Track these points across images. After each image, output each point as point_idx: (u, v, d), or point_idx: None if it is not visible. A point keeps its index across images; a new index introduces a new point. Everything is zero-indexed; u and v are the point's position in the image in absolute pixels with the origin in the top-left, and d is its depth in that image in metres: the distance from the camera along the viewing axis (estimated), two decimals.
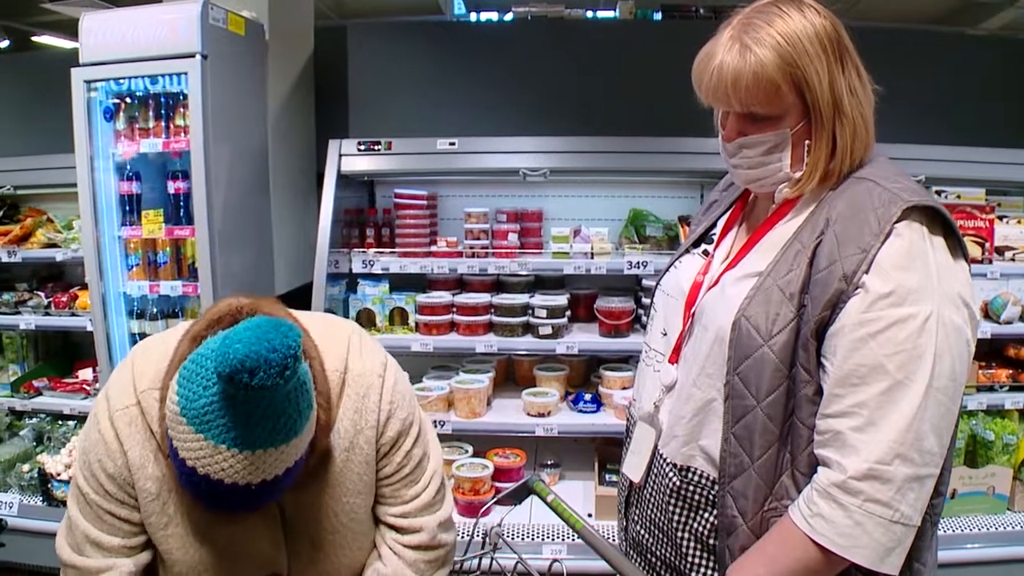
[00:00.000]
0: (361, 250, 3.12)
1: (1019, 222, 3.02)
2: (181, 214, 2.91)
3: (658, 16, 3.67)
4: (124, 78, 2.84)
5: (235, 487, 1.02)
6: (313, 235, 2.98)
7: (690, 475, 1.31)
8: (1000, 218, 2.97)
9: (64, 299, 3.37)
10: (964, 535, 2.77)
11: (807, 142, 1.23)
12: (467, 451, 3.08)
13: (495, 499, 1.52)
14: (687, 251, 1.50)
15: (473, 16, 7.22)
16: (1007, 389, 2.96)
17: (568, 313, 3.05)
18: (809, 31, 1.18)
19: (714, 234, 1.47)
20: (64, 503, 1.38)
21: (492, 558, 1.42)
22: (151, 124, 2.89)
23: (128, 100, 2.91)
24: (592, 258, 2.98)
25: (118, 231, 2.97)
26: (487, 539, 1.42)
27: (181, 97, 2.82)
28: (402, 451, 1.34)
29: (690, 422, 1.30)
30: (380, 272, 3.05)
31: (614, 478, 2.80)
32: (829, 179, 1.24)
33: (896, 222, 1.12)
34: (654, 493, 1.39)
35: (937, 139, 2.90)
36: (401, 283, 3.19)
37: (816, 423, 1.16)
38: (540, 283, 3.31)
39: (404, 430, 1.33)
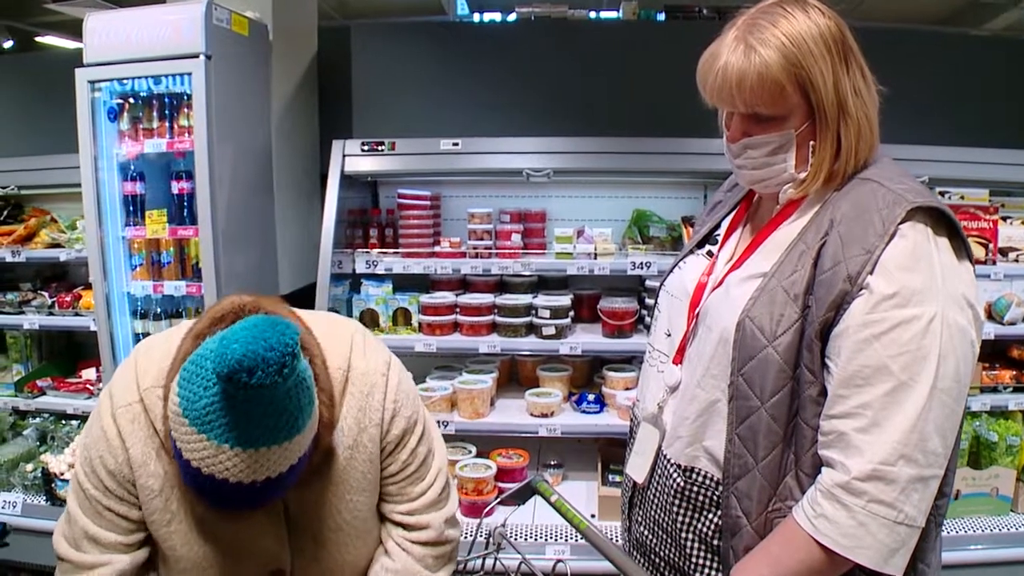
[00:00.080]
0: (365, 250, 3.12)
1: (1023, 223, 3.01)
2: (185, 214, 2.91)
3: (661, 17, 3.67)
4: (128, 78, 2.85)
5: (239, 485, 1.02)
6: (317, 235, 2.98)
7: (694, 476, 1.31)
8: (1004, 219, 2.95)
9: (68, 299, 3.37)
10: (967, 536, 2.76)
11: (811, 143, 1.23)
12: (470, 451, 3.08)
13: (498, 499, 1.52)
14: (691, 252, 1.50)
15: (476, 16, 7.22)
16: (1011, 390, 2.95)
17: (571, 314, 3.04)
18: (814, 32, 1.18)
19: (718, 235, 1.47)
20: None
21: (496, 558, 1.42)
22: (155, 124, 2.89)
23: (132, 100, 2.91)
24: (595, 259, 2.98)
25: (122, 231, 2.97)
26: (491, 539, 1.42)
27: (185, 97, 2.83)
28: (407, 449, 1.35)
29: (694, 423, 1.30)
30: (384, 272, 3.05)
31: (617, 479, 2.80)
32: (833, 180, 1.24)
33: (900, 223, 1.12)
34: (658, 494, 1.39)
35: (940, 140, 2.90)
36: (405, 283, 3.18)
37: (820, 424, 1.16)
38: (543, 283, 3.31)
39: (409, 428, 1.34)
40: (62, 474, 3.05)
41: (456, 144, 2.96)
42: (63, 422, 3.41)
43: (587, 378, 3.29)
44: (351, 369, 1.28)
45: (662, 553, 1.40)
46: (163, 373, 1.15)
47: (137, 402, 1.19)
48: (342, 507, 1.30)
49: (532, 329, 3.04)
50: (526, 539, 2.72)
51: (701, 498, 1.31)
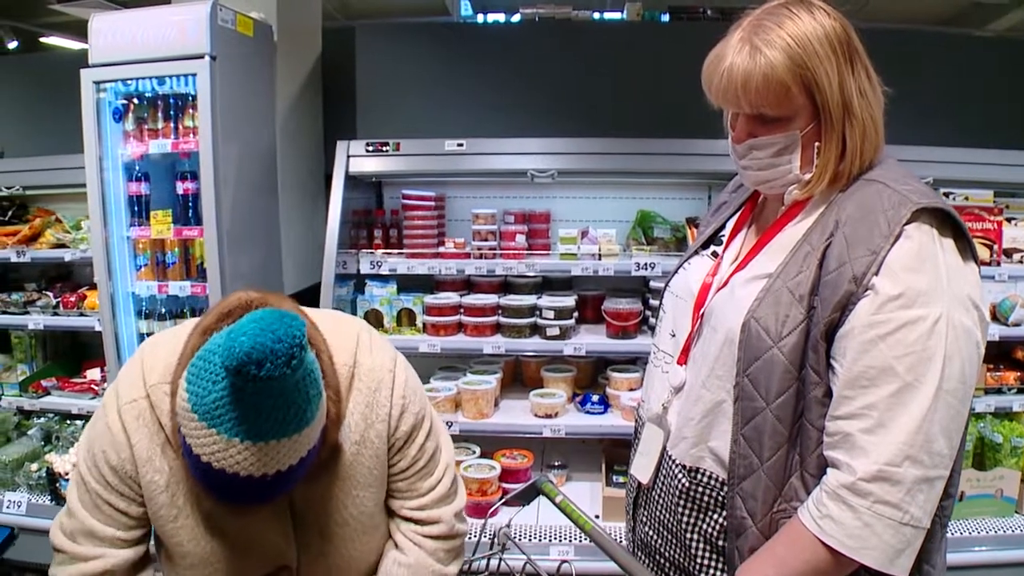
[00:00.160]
0: (369, 251, 3.12)
1: None
2: (190, 214, 2.91)
3: (665, 18, 3.67)
4: (133, 79, 2.85)
5: (250, 479, 1.03)
6: (321, 236, 2.98)
7: (699, 476, 1.31)
8: (1008, 220, 2.95)
9: (72, 299, 3.38)
10: (972, 538, 2.76)
11: (817, 144, 1.23)
12: (474, 452, 3.08)
13: (503, 500, 1.52)
14: (696, 252, 1.50)
15: (480, 17, 7.25)
16: (1015, 391, 2.94)
17: (575, 314, 3.05)
18: (819, 32, 1.18)
19: (723, 236, 1.47)
20: None
21: (500, 559, 1.43)
22: (160, 125, 2.90)
23: (137, 101, 2.92)
24: (600, 259, 2.98)
25: (127, 231, 2.98)
26: (495, 540, 1.43)
27: (190, 98, 2.83)
28: (416, 445, 1.36)
29: (699, 423, 1.30)
30: (388, 273, 3.05)
31: (621, 479, 2.80)
32: (839, 181, 1.24)
33: (906, 224, 1.12)
34: (663, 494, 1.39)
35: (944, 141, 2.89)
36: (409, 284, 3.19)
37: (825, 425, 1.16)
38: (547, 284, 3.31)
39: (417, 424, 1.35)
40: (66, 474, 3.05)
41: (460, 145, 2.96)
42: (68, 422, 3.41)
43: (591, 379, 3.29)
44: (357, 365, 1.29)
45: (667, 554, 1.40)
46: (170, 369, 1.16)
47: (143, 398, 1.19)
48: (348, 502, 1.30)
49: (536, 330, 3.04)
50: (530, 540, 2.73)
51: (706, 499, 1.31)
